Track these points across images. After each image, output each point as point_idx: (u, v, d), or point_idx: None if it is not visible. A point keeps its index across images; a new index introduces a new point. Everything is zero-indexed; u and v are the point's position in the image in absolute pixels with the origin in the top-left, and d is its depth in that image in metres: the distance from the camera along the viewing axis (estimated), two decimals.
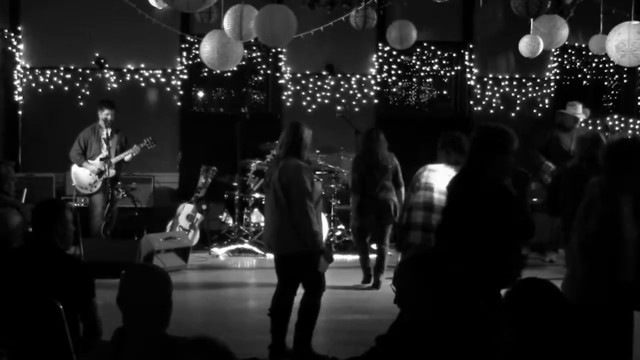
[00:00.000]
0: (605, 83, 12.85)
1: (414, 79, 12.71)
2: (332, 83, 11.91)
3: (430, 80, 12.72)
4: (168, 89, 11.61)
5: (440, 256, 3.55)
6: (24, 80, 11.36)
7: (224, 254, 10.25)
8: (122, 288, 3.08)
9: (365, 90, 11.97)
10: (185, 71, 11.64)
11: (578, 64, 12.66)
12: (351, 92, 11.94)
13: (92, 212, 9.91)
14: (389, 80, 12.29)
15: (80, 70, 11.43)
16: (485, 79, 12.22)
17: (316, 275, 5.81)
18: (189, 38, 10.72)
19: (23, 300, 4.10)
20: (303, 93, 11.86)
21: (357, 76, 11.96)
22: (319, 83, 11.90)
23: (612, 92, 12.93)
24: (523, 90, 12.25)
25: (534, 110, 12.24)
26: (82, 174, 9.92)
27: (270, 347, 5.93)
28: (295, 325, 5.89)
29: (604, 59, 11.85)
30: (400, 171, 8.52)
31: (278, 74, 11.85)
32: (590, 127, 11.78)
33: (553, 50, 11.22)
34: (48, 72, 11.39)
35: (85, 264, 4.56)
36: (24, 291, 4.13)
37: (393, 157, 8.53)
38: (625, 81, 12.71)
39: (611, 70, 12.59)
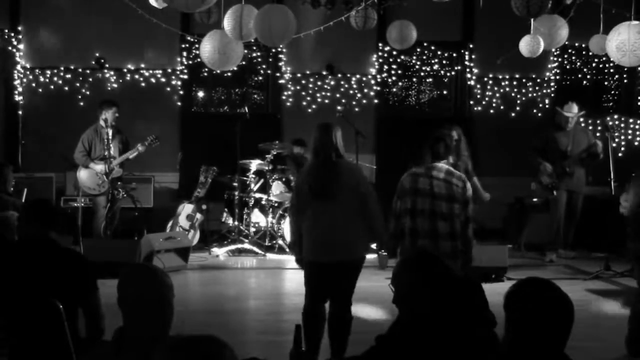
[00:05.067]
0: (605, 83, 12.84)
1: (414, 79, 12.71)
2: (332, 83, 11.91)
3: (430, 80, 12.73)
4: (168, 89, 11.61)
5: (437, 256, 3.56)
6: (24, 80, 11.36)
7: (224, 254, 10.25)
8: (120, 288, 3.08)
9: (365, 90, 11.97)
10: (185, 71, 11.64)
11: (578, 64, 12.65)
12: (351, 92, 11.94)
13: (95, 213, 9.90)
14: (389, 80, 12.29)
15: (80, 70, 11.43)
16: (485, 79, 12.22)
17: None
18: (189, 38, 10.72)
19: (22, 299, 4.09)
20: (303, 93, 11.85)
21: (357, 76, 11.96)
22: (319, 83, 11.89)
23: (612, 92, 12.92)
24: (523, 90, 12.25)
25: (534, 110, 12.23)
26: (88, 176, 9.88)
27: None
28: (336, 339, 5.71)
29: (604, 59, 11.85)
30: None
31: (278, 74, 11.84)
32: (590, 127, 11.79)
33: (553, 50, 11.21)
34: (48, 72, 11.39)
35: (85, 257, 4.54)
36: (22, 289, 4.12)
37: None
38: (625, 81, 12.71)
39: (611, 70, 12.59)
